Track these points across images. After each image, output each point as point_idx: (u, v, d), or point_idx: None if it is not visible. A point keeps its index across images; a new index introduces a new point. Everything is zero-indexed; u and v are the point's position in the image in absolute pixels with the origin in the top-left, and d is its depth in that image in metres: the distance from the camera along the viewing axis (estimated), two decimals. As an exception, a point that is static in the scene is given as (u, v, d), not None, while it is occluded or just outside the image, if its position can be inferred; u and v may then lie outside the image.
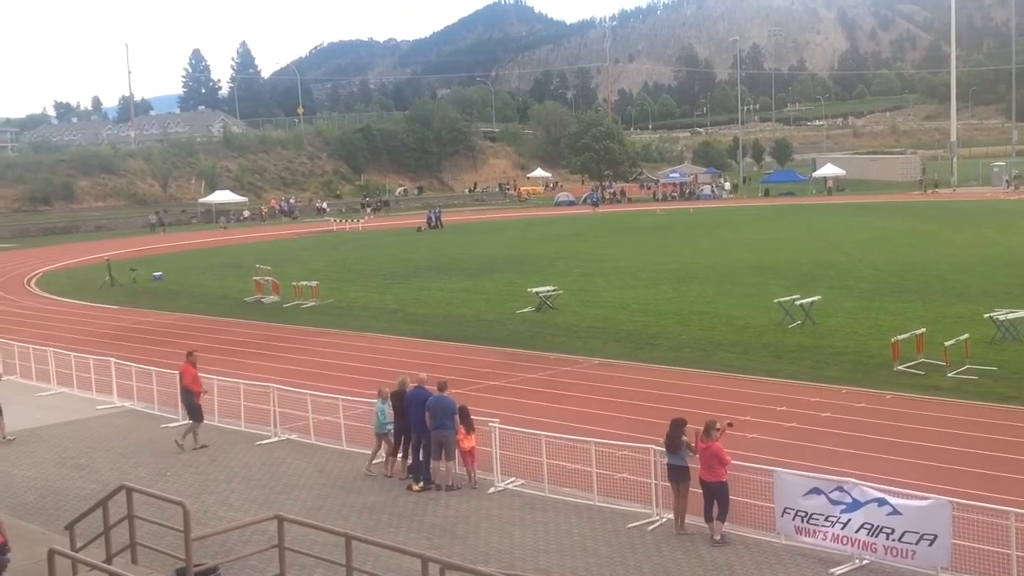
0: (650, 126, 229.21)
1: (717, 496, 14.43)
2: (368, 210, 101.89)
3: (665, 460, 15.16)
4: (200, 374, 22.73)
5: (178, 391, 21.48)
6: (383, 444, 18.52)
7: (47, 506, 17.12)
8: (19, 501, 17.11)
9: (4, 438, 21.49)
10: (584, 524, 15.47)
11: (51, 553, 11.05)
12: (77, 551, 12.60)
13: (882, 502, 13.23)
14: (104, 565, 11.59)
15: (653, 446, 15.58)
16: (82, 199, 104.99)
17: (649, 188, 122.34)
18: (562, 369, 26.84)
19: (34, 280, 54.63)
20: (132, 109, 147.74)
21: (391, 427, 18.29)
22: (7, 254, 71.84)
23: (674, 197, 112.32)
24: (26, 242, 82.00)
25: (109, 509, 13.21)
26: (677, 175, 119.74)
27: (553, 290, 37.22)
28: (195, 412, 20.89)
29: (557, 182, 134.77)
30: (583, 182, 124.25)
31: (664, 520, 15.24)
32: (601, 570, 13.71)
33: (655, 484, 15.46)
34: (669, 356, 27.73)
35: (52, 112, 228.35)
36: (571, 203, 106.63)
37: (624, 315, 34.55)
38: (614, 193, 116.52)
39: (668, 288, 40.38)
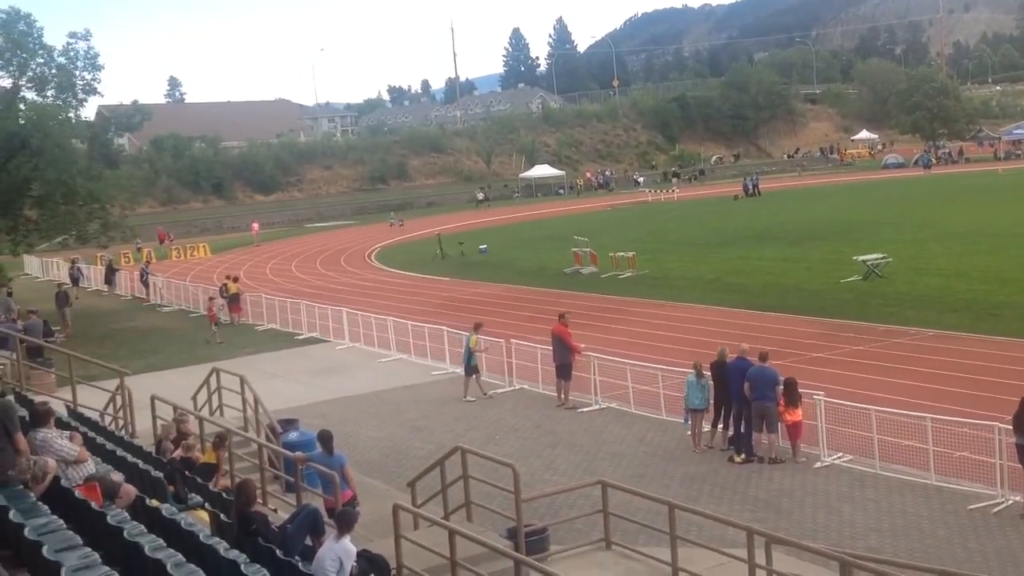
0: (990, 79, 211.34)
1: (1074, 480, 13.20)
2: (675, 180, 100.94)
3: (1012, 440, 14.04)
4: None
5: (552, 351, 22.22)
6: (696, 418, 18.30)
7: (389, 464, 18.45)
8: (365, 459, 18.54)
9: (485, 395, 23.08)
10: (920, 504, 14.66)
11: (395, 508, 11.83)
12: (418, 507, 13.46)
13: None
14: (443, 521, 12.29)
15: (998, 424, 14.49)
16: (414, 177, 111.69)
17: (991, 146, 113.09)
18: (892, 341, 25.48)
19: (374, 254, 58.83)
20: (457, 90, 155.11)
21: (700, 402, 18.08)
22: (350, 231, 77.79)
23: (1018, 155, 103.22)
24: (365, 219, 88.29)
25: (446, 469, 14.01)
26: (1022, 131, 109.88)
27: (881, 257, 35.35)
28: (567, 371, 21.82)
29: (884, 144, 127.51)
30: (890, 143, 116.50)
31: (1010, 502, 14.15)
32: (939, 553, 12.93)
33: (999, 464, 14.36)
34: (1015, 327, 25.57)
35: (386, 96, 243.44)
36: (900, 165, 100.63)
37: (962, 283, 32.27)
38: (949, 153, 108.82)
39: (1014, 253, 37.21)
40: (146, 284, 44.83)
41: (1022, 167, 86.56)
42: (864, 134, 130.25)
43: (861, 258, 35.33)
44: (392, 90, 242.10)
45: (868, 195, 70.80)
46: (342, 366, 28.08)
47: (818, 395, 17.05)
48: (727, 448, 17.81)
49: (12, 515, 7.56)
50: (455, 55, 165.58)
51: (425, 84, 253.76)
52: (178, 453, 13.71)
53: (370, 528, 13.26)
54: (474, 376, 23.15)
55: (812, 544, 12.13)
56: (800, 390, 17.34)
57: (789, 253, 42.88)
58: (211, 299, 34.97)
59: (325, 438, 13.49)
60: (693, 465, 17.34)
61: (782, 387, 17.16)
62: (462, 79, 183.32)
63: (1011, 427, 14.09)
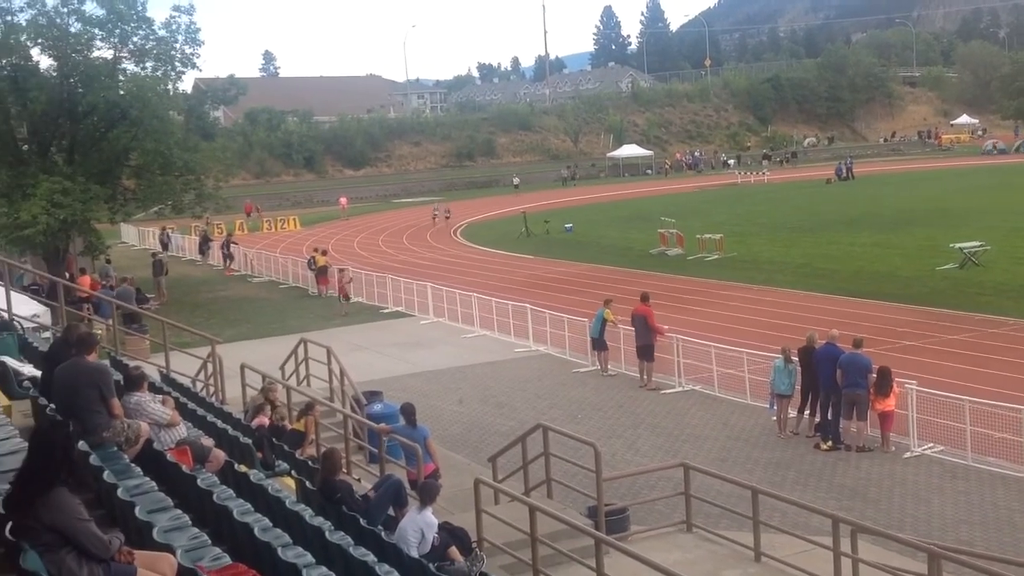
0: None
1: None
2: (766, 162, 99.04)
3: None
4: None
5: (633, 332, 22.23)
6: (782, 404, 18.04)
7: (471, 439, 18.57)
8: (448, 433, 18.68)
9: (605, 373, 23.17)
10: (1012, 497, 14.28)
11: (477, 482, 11.90)
12: (499, 482, 13.51)
13: None
14: (523, 497, 12.31)
15: (1099, 420, 13.98)
16: (501, 155, 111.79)
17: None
18: (988, 331, 24.78)
19: (460, 231, 59.10)
20: (547, 68, 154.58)
21: (786, 388, 17.79)
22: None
23: None
24: (452, 195, 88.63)
25: (527, 445, 14.03)
26: None
27: (979, 245, 34.34)
28: (649, 352, 21.76)
29: (985, 129, 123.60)
30: (1016, 131, 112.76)
31: (1111, 502, 13.66)
32: (1033, 550, 12.56)
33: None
34: (1119, 321, 24.69)
35: (476, 73, 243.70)
36: (1002, 152, 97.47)
37: (1064, 274, 31.21)
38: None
39: (1119, 245, 35.86)
40: (227, 255, 45.84)
41: None
42: (964, 119, 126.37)
43: (958, 246, 34.37)
44: (482, 67, 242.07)
45: (966, 181, 68.79)
46: (426, 341, 28.30)
47: (910, 384, 16.68)
48: (813, 435, 17.54)
49: (106, 476, 7.75)
50: (545, 33, 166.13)
51: (515, 61, 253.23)
52: (266, 420, 13.95)
53: (451, 501, 13.34)
54: (604, 352, 23.14)
55: (900, 534, 11.88)
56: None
57: (883, 239, 41.91)
58: (341, 271, 34.62)
59: (408, 411, 13.61)
60: (778, 450, 17.11)
61: (875, 375, 16.80)
62: (552, 57, 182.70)
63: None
